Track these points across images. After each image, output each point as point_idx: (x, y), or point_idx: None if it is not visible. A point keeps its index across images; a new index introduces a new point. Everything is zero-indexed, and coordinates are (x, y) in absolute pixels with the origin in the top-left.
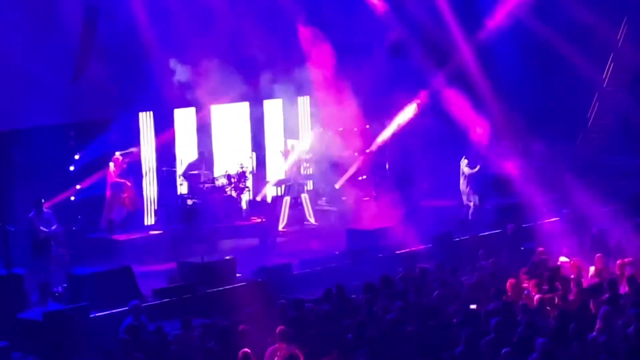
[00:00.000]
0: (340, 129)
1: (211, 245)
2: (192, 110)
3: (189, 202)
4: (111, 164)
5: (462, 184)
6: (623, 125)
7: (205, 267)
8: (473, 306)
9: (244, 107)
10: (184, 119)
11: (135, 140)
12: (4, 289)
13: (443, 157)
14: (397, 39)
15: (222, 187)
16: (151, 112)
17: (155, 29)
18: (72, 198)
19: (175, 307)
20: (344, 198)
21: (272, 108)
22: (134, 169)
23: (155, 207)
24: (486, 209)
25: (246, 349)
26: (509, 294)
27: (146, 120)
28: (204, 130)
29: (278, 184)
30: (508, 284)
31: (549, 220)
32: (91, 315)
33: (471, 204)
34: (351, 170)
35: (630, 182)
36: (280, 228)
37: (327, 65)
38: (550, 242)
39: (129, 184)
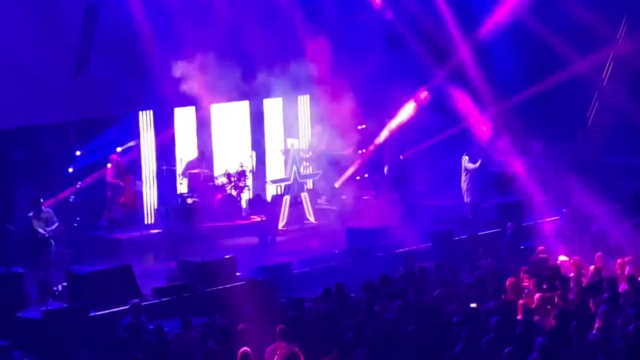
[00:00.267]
0: (340, 127)
1: (211, 244)
2: (192, 109)
3: (189, 201)
4: (109, 164)
5: (463, 181)
6: (623, 124)
7: (205, 266)
8: (473, 305)
9: (244, 105)
10: (184, 118)
11: (135, 138)
12: (4, 288)
13: (443, 155)
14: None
15: (222, 186)
16: (151, 111)
17: (155, 28)
18: (72, 198)
19: (174, 306)
20: (343, 197)
21: (272, 106)
22: (134, 167)
23: (155, 206)
24: (486, 207)
25: (246, 348)
26: (509, 293)
27: (146, 119)
28: (203, 129)
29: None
30: (508, 282)
31: (549, 219)
32: (91, 314)
33: (474, 199)
34: (351, 169)
35: (630, 181)
36: (280, 227)
37: (325, 61)
38: (550, 241)
39: (122, 184)
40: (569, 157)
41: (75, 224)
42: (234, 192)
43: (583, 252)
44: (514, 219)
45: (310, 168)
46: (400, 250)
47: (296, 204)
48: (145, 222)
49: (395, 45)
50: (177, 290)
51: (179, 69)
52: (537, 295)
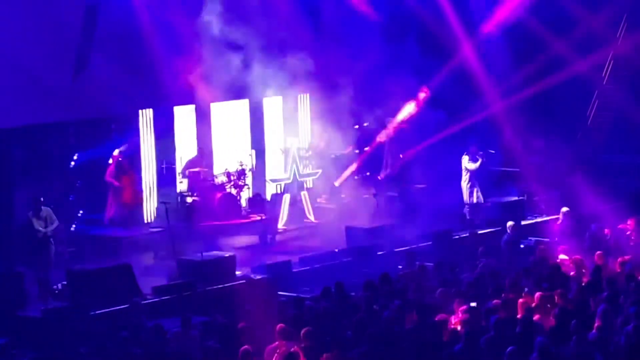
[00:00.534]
0: (340, 126)
1: (211, 242)
2: (192, 107)
3: (189, 199)
4: (110, 161)
5: (464, 180)
6: (623, 123)
7: (204, 264)
8: (473, 304)
9: (244, 104)
10: (184, 116)
11: (135, 137)
12: (4, 287)
13: (443, 154)
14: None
15: (222, 185)
16: (151, 110)
17: (155, 27)
18: (71, 198)
19: (174, 305)
20: (343, 196)
21: (272, 105)
22: (134, 164)
23: (155, 205)
24: (486, 206)
25: (247, 347)
26: (509, 291)
27: (146, 118)
28: (203, 127)
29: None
30: (508, 281)
31: (549, 217)
32: (91, 313)
33: (474, 198)
34: (351, 168)
35: (630, 179)
36: (279, 226)
37: (324, 59)
38: (550, 240)
39: (116, 184)
40: (569, 155)
41: (73, 225)
42: (233, 191)
43: (583, 251)
44: (514, 218)
45: (310, 167)
46: (400, 249)
47: (296, 202)
48: (145, 221)
49: (395, 43)
50: (176, 289)
51: (178, 67)
52: (537, 294)
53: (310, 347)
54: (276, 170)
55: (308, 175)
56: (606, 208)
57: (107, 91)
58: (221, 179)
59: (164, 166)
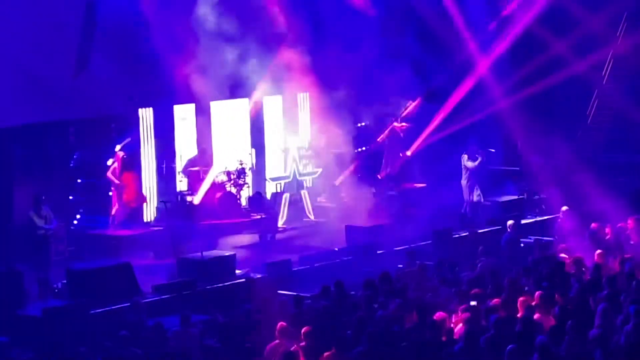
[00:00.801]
0: (339, 125)
1: (211, 241)
2: (191, 106)
3: (189, 198)
4: (110, 161)
5: (464, 179)
6: (622, 122)
7: (204, 263)
8: (473, 303)
9: (244, 103)
10: (184, 115)
11: (134, 136)
12: (4, 285)
13: (443, 153)
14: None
15: (222, 184)
16: (151, 109)
17: (155, 26)
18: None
19: (174, 303)
20: (343, 195)
21: (272, 104)
22: (134, 163)
23: (155, 204)
24: (486, 205)
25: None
26: (509, 290)
27: (146, 117)
28: (203, 126)
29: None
30: (507, 280)
31: (549, 216)
32: (91, 312)
33: (474, 197)
34: (351, 167)
35: (630, 178)
36: (279, 224)
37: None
38: (550, 239)
39: (117, 182)
40: (569, 154)
41: (73, 224)
42: (233, 190)
43: (583, 250)
44: (514, 216)
45: (310, 166)
46: (400, 247)
47: (296, 201)
48: (145, 220)
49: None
50: (177, 288)
51: (178, 65)
52: (537, 293)
53: (310, 346)
54: (276, 169)
55: (308, 174)
56: (607, 206)
57: (107, 90)
58: (221, 178)
59: (164, 165)
